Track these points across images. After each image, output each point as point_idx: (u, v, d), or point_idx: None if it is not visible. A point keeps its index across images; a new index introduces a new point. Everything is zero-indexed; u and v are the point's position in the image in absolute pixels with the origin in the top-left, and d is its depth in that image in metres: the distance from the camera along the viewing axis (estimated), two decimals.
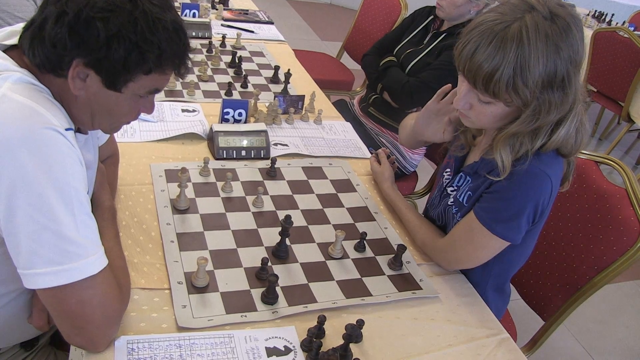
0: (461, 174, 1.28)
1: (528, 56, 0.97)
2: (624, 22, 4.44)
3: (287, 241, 1.20)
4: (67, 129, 0.84)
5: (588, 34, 3.92)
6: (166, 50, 0.85)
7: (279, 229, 1.18)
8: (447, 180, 1.33)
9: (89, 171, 0.94)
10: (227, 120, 1.64)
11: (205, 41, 2.23)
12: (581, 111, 1.09)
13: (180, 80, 1.82)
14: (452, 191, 1.29)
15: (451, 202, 1.28)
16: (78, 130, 0.96)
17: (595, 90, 3.94)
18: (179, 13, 2.40)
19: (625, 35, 3.51)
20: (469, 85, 1.07)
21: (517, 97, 1.01)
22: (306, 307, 1.07)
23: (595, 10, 4.52)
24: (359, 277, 1.18)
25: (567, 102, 1.04)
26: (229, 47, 2.25)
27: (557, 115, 1.04)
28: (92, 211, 0.87)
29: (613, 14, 4.54)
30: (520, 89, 1.00)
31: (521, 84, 0.99)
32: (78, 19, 0.80)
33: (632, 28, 3.85)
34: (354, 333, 0.96)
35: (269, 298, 1.06)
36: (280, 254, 1.19)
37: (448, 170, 1.35)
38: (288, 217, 1.17)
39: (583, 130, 1.11)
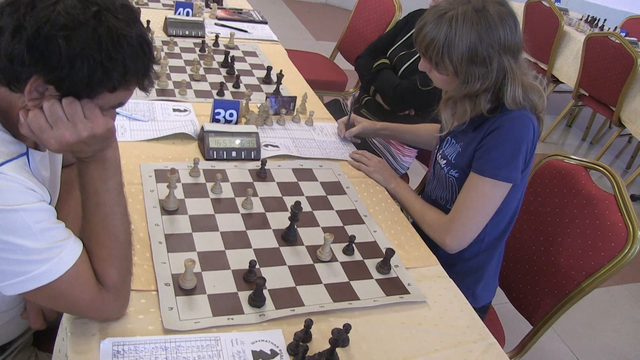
0: (448, 138, 1.46)
1: (454, 36, 1.24)
2: (615, 28, 4.46)
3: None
4: (4, 162, 0.79)
5: (580, 38, 3.94)
6: (131, 67, 0.82)
7: (268, 231, 1.17)
8: (437, 151, 1.52)
9: (45, 187, 0.89)
10: (218, 121, 1.63)
11: (198, 40, 2.22)
12: (524, 79, 1.30)
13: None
14: (440, 157, 1.48)
15: (443, 165, 1.45)
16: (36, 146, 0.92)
17: (587, 94, 3.96)
18: (173, 11, 2.41)
19: (617, 41, 3.53)
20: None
21: (449, 66, 1.28)
22: (293, 310, 1.06)
23: (588, 15, 4.53)
24: (347, 280, 1.18)
25: (489, 76, 1.27)
26: (222, 47, 2.24)
27: (483, 85, 1.28)
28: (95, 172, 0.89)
29: (605, 20, 4.56)
30: (447, 60, 1.27)
31: (448, 57, 1.27)
32: (38, 36, 0.75)
33: (624, 34, 3.86)
34: (340, 337, 0.96)
35: (256, 301, 1.05)
36: (289, 237, 1.25)
37: (437, 146, 1.53)
38: (298, 203, 1.24)
39: (536, 93, 1.31)
